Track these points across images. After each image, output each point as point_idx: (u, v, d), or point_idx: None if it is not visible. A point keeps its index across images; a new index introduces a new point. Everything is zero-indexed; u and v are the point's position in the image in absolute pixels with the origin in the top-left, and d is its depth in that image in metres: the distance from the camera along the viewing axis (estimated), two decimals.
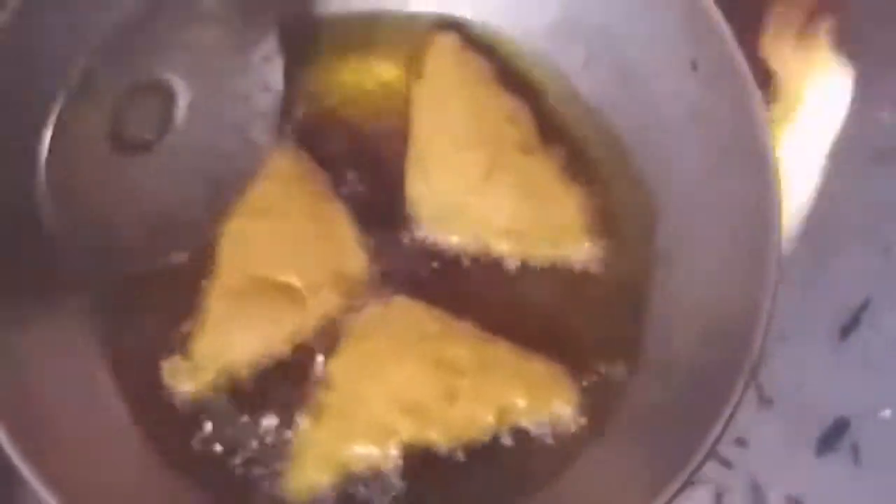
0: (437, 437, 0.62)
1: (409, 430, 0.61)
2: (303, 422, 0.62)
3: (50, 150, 0.63)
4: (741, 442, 0.71)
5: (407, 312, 0.64)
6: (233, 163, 0.66)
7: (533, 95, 0.68)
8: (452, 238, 0.65)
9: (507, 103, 0.67)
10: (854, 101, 0.74)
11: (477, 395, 0.62)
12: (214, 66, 0.66)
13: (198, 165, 0.66)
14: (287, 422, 0.63)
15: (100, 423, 0.62)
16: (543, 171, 0.66)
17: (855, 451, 0.71)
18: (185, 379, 0.63)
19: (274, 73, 0.66)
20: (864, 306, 0.72)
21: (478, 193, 0.65)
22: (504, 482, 0.62)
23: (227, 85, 0.66)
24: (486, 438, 0.62)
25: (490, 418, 0.62)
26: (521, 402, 0.62)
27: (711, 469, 0.70)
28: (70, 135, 0.64)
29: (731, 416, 0.57)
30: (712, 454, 0.69)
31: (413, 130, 0.67)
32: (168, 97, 0.65)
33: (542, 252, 0.65)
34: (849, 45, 0.74)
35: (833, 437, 0.71)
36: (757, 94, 0.58)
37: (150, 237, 0.65)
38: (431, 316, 0.64)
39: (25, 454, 0.56)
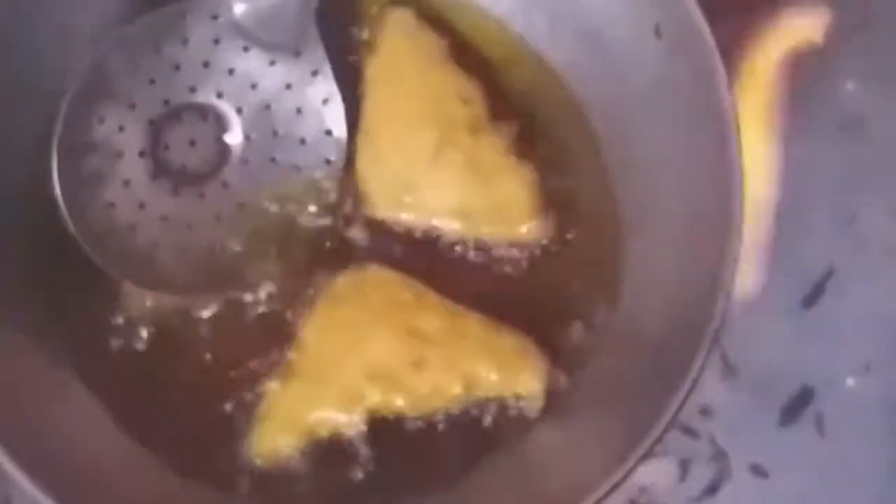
0: (404, 405, 0.62)
1: (376, 397, 0.61)
2: (271, 383, 0.62)
3: (61, 160, 0.62)
4: (706, 411, 0.71)
5: (381, 280, 0.64)
6: (301, 208, 0.65)
7: (488, 71, 0.67)
8: (403, 216, 0.65)
9: (460, 81, 0.66)
10: (820, 71, 0.74)
11: (446, 365, 0.62)
12: (267, 102, 0.65)
13: (254, 205, 0.64)
14: (254, 381, 0.63)
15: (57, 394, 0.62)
16: (492, 150, 0.65)
17: (819, 420, 0.71)
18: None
19: (335, 118, 0.65)
20: (828, 275, 0.72)
21: (427, 173, 0.64)
22: (464, 450, 0.62)
23: (285, 127, 0.65)
24: (452, 408, 0.62)
25: (458, 389, 0.62)
26: (490, 375, 0.62)
27: (676, 439, 0.70)
28: (89, 142, 0.62)
29: (694, 384, 0.57)
30: (676, 423, 0.70)
31: (365, 107, 0.66)
32: (219, 128, 0.64)
33: (493, 231, 0.65)
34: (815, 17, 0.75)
35: (797, 406, 0.71)
36: (719, 61, 0.58)
37: (196, 274, 0.64)
38: (405, 284, 0.64)
39: None
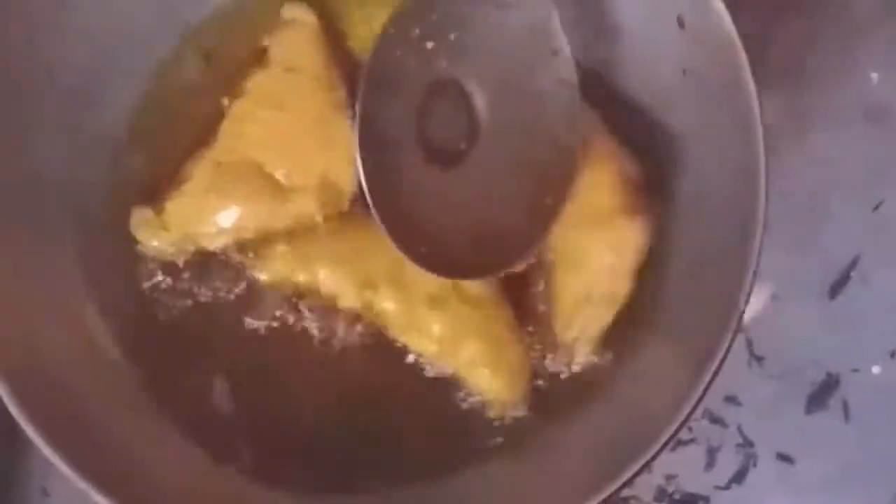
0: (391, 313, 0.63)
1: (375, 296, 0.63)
2: None
3: (363, 150, 0.61)
4: (733, 400, 0.71)
5: None
6: (547, 168, 0.63)
7: None
8: None
9: None
10: (843, 61, 0.75)
11: (460, 324, 0.63)
12: (506, 64, 0.64)
13: (511, 172, 0.64)
14: None
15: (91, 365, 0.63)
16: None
17: (845, 407, 0.72)
18: (149, 233, 0.65)
19: (566, 66, 0.63)
20: (853, 264, 0.73)
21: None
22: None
23: (523, 83, 0.64)
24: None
25: (439, 349, 0.63)
26: (482, 367, 0.63)
27: (703, 427, 0.71)
28: (379, 136, 0.62)
29: (719, 368, 0.57)
30: (704, 412, 0.71)
31: None
32: (463, 99, 0.64)
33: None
34: (836, 6, 0.75)
35: (823, 394, 0.72)
36: (741, 50, 0.58)
37: (475, 251, 0.63)
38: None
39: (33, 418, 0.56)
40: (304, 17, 0.67)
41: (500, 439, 0.63)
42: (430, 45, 0.63)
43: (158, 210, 0.65)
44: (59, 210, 0.64)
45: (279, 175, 0.64)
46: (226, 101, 0.66)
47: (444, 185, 0.63)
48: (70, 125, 0.65)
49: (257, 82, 0.66)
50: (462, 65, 0.63)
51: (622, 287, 0.63)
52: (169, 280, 0.66)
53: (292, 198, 0.64)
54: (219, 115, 0.66)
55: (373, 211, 0.61)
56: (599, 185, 0.64)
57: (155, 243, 0.65)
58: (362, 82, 0.62)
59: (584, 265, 0.64)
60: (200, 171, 0.65)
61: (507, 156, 0.64)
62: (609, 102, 0.67)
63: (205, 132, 0.66)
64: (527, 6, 0.63)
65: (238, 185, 0.64)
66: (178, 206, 0.65)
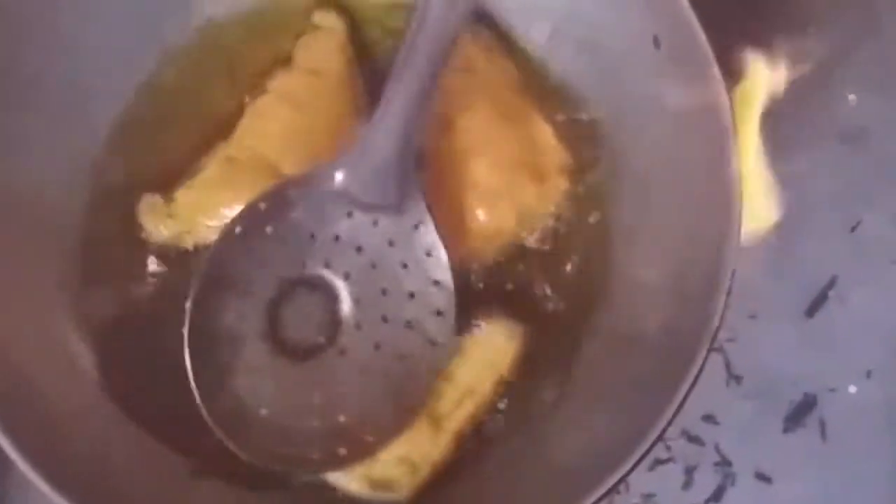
0: None
1: None
2: None
3: (192, 350, 0.61)
4: (710, 419, 0.71)
5: None
6: (413, 364, 0.63)
7: None
8: None
9: None
10: (821, 82, 0.75)
11: None
12: (372, 261, 0.63)
13: (374, 367, 0.63)
14: None
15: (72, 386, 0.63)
16: None
17: (822, 427, 0.72)
18: (157, 221, 0.65)
19: (440, 268, 0.63)
20: (831, 284, 0.73)
21: None
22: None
23: (393, 283, 0.63)
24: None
25: None
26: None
27: (681, 446, 0.71)
28: (214, 333, 0.62)
29: (694, 384, 0.57)
30: (682, 432, 0.71)
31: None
32: (329, 296, 0.63)
33: None
34: (815, 26, 0.76)
35: (800, 413, 0.72)
36: (717, 69, 0.59)
37: (328, 442, 0.62)
38: None
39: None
40: (334, 23, 0.68)
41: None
42: (288, 241, 0.63)
43: (168, 199, 0.65)
44: (39, 224, 0.64)
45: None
46: (247, 99, 0.67)
47: (292, 379, 0.63)
48: (52, 140, 0.65)
49: (280, 82, 0.67)
50: (326, 262, 0.63)
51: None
52: (149, 292, 0.66)
53: None
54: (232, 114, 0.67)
55: (202, 409, 0.61)
56: None
57: (161, 230, 0.65)
58: (197, 276, 0.62)
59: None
60: (213, 165, 0.66)
61: (368, 353, 0.63)
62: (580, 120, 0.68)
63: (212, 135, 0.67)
64: (399, 211, 0.63)
65: (249, 182, 0.64)
66: (187, 198, 0.65)
